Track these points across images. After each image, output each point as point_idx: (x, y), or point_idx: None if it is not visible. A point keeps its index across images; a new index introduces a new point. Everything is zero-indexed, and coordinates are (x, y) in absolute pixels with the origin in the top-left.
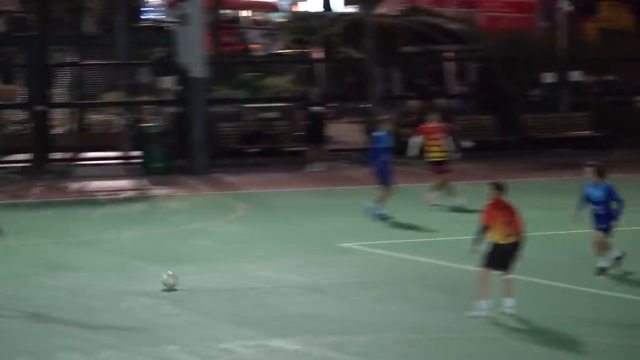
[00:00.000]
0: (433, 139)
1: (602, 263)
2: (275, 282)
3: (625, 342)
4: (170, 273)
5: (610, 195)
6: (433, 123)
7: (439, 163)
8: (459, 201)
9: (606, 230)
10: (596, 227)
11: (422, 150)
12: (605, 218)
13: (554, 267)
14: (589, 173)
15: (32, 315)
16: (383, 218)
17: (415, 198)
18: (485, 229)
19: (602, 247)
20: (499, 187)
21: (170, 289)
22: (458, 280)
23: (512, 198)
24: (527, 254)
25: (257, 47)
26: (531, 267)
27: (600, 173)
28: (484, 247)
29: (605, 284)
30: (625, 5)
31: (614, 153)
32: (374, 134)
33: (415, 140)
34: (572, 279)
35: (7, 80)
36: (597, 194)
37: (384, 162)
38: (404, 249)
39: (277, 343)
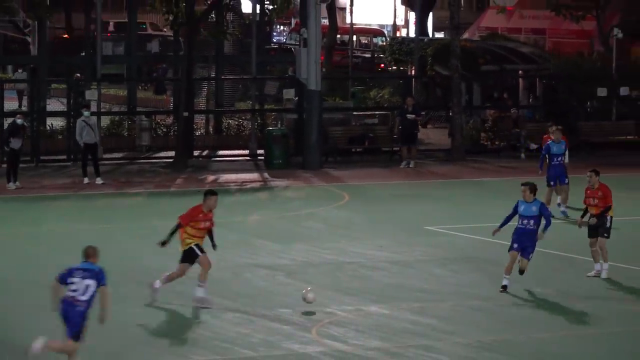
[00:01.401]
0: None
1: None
2: (370, 258)
3: None
4: (309, 288)
5: (543, 209)
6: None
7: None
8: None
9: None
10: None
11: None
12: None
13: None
14: (525, 192)
15: (174, 284)
16: (565, 215)
17: (495, 190)
18: (609, 209)
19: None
20: (598, 173)
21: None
22: None
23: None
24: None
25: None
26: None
27: (533, 190)
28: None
29: None
30: None
31: None
32: (547, 142)
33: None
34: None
35: (159, 92)
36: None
37: (554, 166)
38: (479, 232)
39: (370, 308)
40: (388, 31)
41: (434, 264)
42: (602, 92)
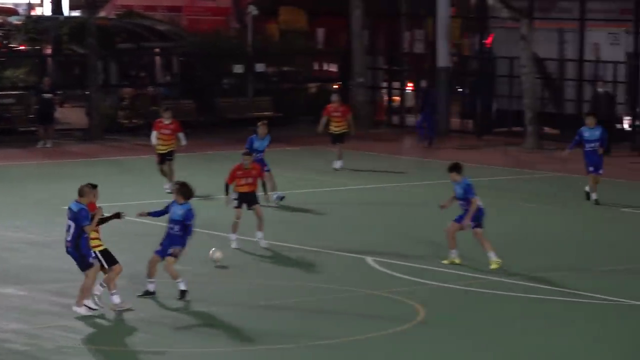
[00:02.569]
0: (162, 133)
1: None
2: (6, 239)
3: None
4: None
5: (188, 217)
6: (166, 120)
7: (162, 155)
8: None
9: (173, 255)
10: (162, 252)
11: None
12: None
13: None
14: (175, 194)
15: None
16: (280, 198)
17: (132, 168)
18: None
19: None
20: (249, 154)
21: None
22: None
23: (207, 166)
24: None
25: None
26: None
27: (186, 194)
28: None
29: None
30: (301, 10)
31: (289, 129)
32: (250, 137)
33: (153, 133)
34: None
35: None
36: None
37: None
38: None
39: (8, 290)
40: (23, 10)
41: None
42: (238, 68)
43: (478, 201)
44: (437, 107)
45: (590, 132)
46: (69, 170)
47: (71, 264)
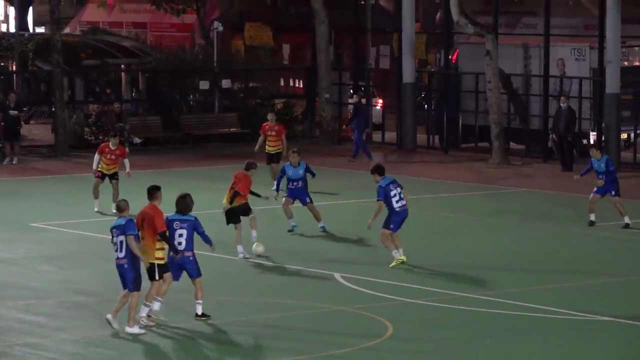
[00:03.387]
0: (108, 158)
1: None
2: None
3: None
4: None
5: None
6: (112, 146)
7: (104, 174)
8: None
9: None
10: None
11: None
12: None
13: None
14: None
15: None
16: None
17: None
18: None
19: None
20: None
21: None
22: None
23: (174, 183)
24: None
25: None
26: None
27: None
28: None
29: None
30: (266, 26)
31: (255, 146)
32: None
33: (96, 157)
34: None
35: None
36: None
37: (291, 190)
38: (85, 227)
39: None
40: None
41: (39, 261)
42: (204, 85)
43: (399, 206)
44: (367, 122)
45: (597, 164)
46: (35, 188)
47: (38, 280)
